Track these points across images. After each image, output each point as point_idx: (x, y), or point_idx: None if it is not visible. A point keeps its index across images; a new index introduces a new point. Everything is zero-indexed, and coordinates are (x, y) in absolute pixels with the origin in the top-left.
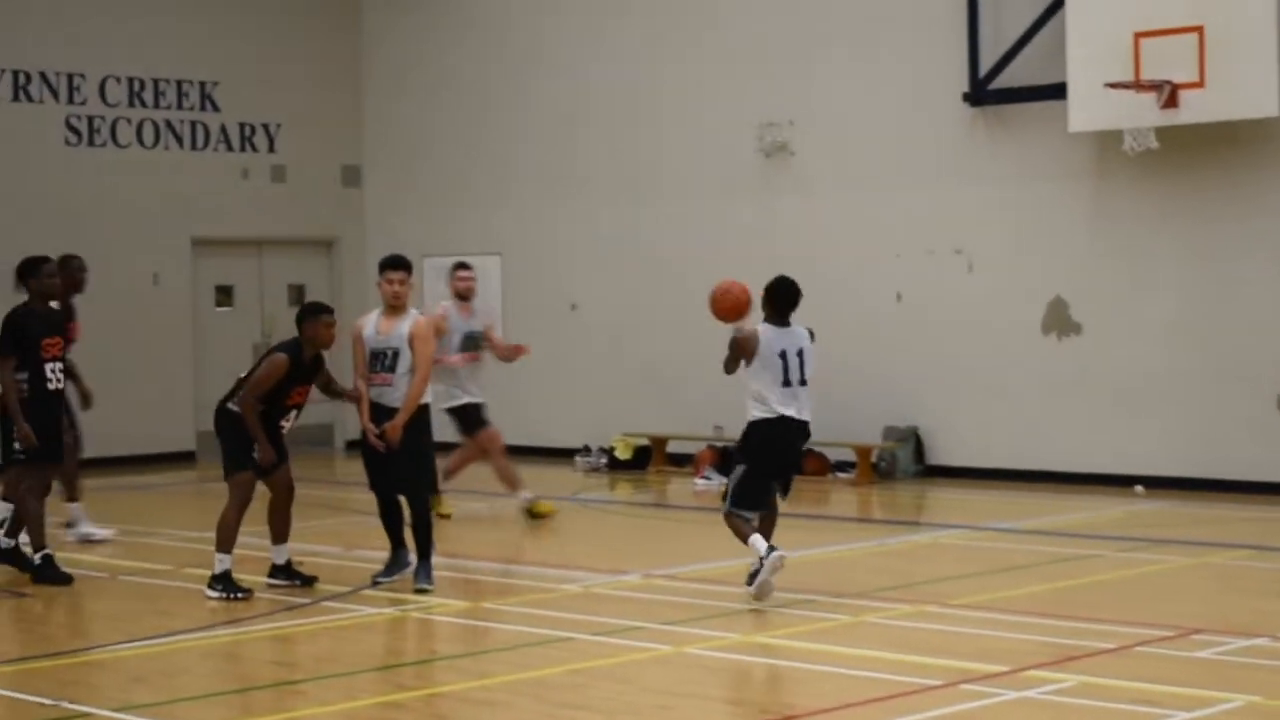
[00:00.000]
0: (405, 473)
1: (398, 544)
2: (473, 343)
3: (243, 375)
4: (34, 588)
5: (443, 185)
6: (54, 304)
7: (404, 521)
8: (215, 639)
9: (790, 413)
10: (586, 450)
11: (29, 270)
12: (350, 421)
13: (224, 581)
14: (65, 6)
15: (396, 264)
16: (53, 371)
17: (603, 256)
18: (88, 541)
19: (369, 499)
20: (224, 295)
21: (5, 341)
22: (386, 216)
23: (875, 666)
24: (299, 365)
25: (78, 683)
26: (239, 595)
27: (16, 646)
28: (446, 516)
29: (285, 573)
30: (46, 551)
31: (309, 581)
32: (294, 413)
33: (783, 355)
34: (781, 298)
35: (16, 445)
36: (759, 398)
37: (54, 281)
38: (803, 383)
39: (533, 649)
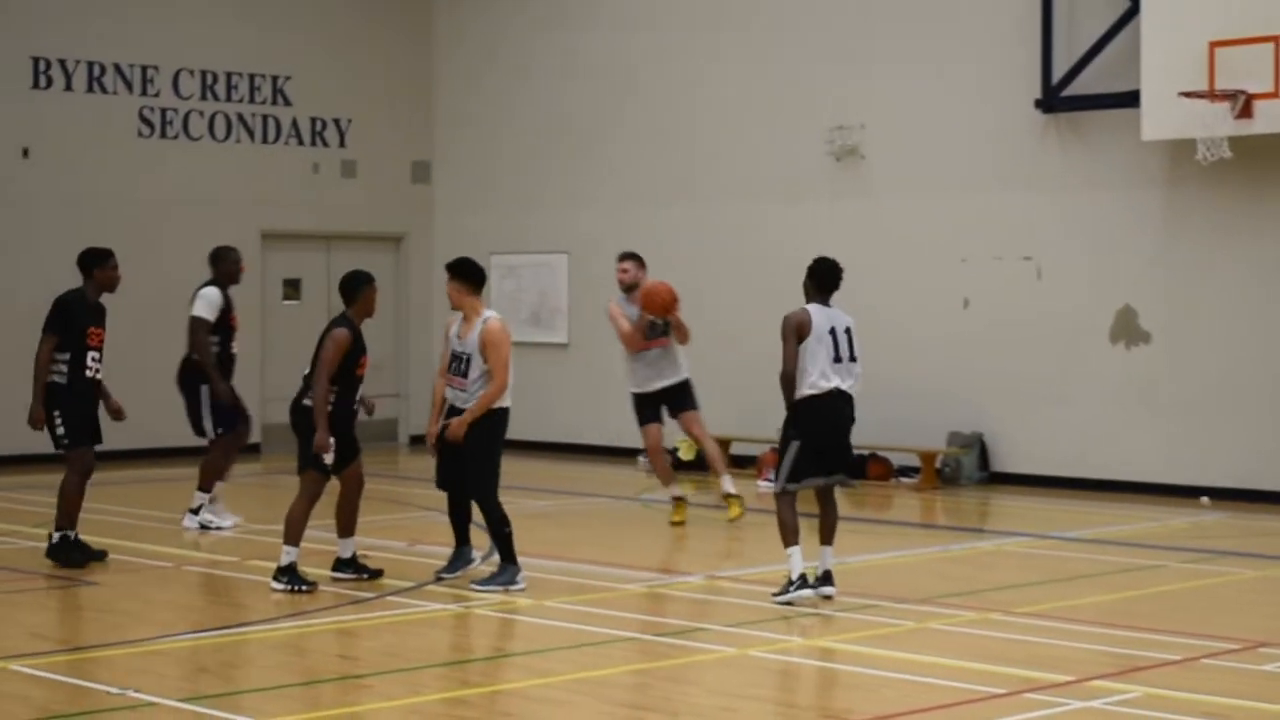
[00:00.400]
0: (469, 475)
1: (461, 541)
2: (658, 329)
3: (307, 372)
4: (102, 577)
5: (512, 183)
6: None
7: (470, 519)
8: (280, 631)
9: (842, 385)
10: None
11: (94, 260)
12: (415, 417)
13: (289, 574)
14: (137, 2)
15: (451, 270)
16: (93, 360)
17: (670, 258)
18: (208, 529)
19: (433, 494)
20: (292, 289)
21: (53, 321)
22: (455, 213)
23: (939, 673)
24: (358, 336)
25: (144, 672)
26: (304, 588)
27: (84, 634)
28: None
29: (351, 566)
30: (67, 533)
31: (375, 575)
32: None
33: (832, 332)
34: (824, 277)
35: (59, 431)
36: (811, 374)
37: (116, 274)
38: (852, 359)
39: (596, 648)
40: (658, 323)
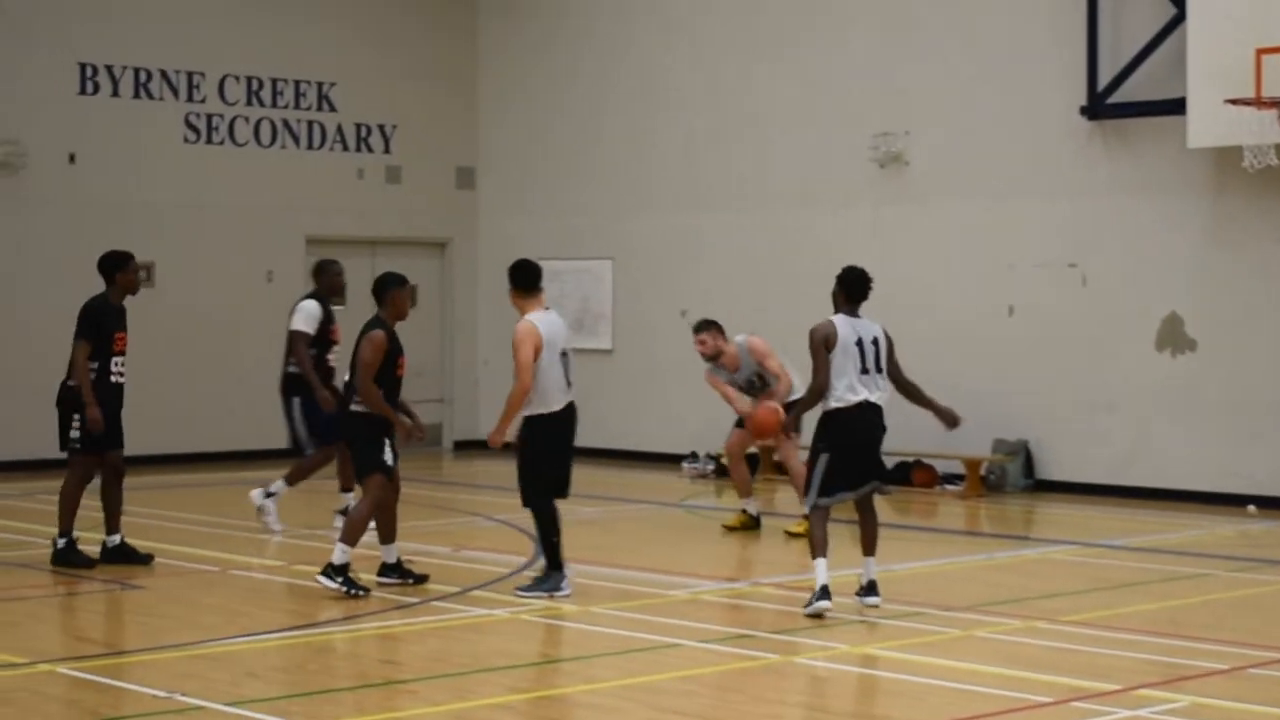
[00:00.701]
0: (518, 480)
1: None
2: (757, 388)
3: (348, 378)
4: (148, 581)
5: (556, 189)
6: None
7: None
8: (327, 636)
9: (870, 397)
10: (694, 456)
11: (116, 264)
12: (459, 422)
13: (344, 574)
14: (186, 6)
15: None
16: (118, 365)
17: (714, 263)
18: (261, 512)
19: (478, 499)
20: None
21: (85, 328)
22: (499, 219)
23: (984, 681)
24: (392, 336)
25: (191, 676)
26: (358, 592)
27: (131, 638)
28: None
29: (397, 571)
30: (70, 538)
31: (420, 580)
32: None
33: (859, 344)
34: (852, 286)
35: (74, 434)
36: (838, 387)
37: (138, 278)
38: (879, 369)
39: (642, 654)
40: (755, 383)
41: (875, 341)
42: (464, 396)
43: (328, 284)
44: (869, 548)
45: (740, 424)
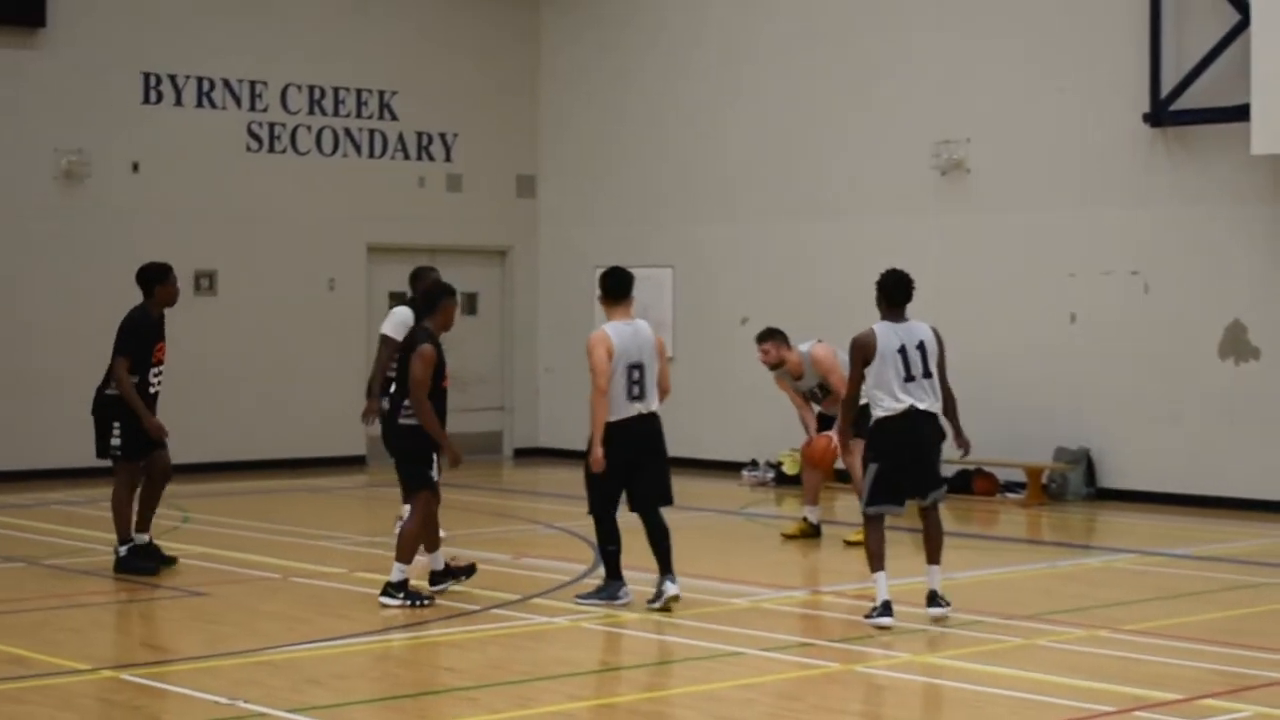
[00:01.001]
0: None
1: (661, 569)
2: (818, 396)
3: (394, 390)
4: (211, 587)
5: (617, 197)
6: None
7: (655, 544)
8: (388, 643)
9: (918, 405)
10: (754, 464)
11: (156, 277)
12: (520, 429)
13: (404, 589)
14: (249, 16)
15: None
16: (155, 376)
17: (775, 271)
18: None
19: (539, 507)
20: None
21: (126, 341)
22: (560, 227)
23: (1046, 690)
24: (439, 349)
25: (252, 683)
26: (424, 602)
27: (193, 645)
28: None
29: (447, 575)
30: (132, 544)
31: (470, 572)
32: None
33: (902, 350)
34: (892, 291)
35: (115, 441)
36: (882, 397)
37: (177, 290)
38: (927, 375)
39: (702, 663)
40: (818, 392)
41: (921, 346)
42: (524, 404)
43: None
44: (932, 556)
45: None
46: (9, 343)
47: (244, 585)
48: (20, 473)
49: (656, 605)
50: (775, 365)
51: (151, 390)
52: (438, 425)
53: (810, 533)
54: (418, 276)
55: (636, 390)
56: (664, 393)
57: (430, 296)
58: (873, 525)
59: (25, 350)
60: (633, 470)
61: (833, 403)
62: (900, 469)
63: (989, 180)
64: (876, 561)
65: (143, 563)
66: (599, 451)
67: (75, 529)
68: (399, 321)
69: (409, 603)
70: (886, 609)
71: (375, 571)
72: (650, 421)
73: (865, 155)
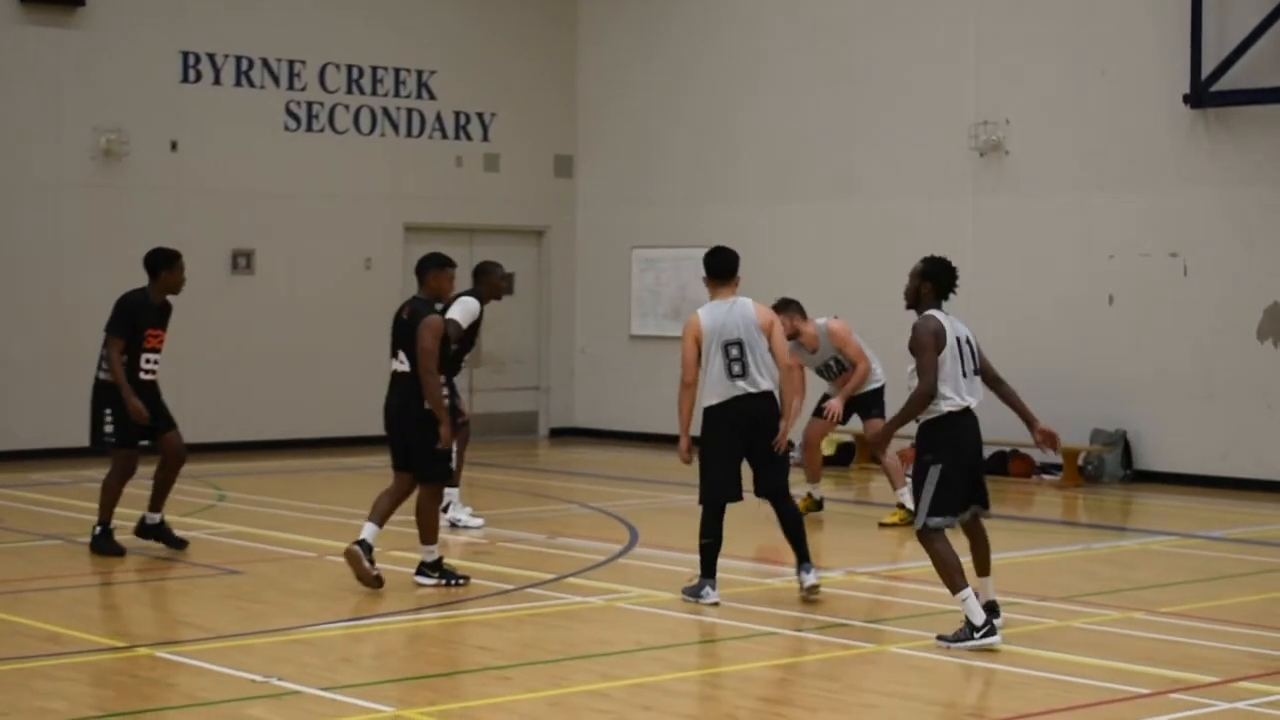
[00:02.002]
0: None
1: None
2: (833, 371)
3: (405, 370)
4: (246, 565)
5: (653, 178)
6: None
7: (789, 530)
8: (422, 622)
9: (973, 403)
10: (790, 446)
11: (163, 262)
12: (555, 409)
13: (439, 569)
14: None
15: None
16: (148, 362)
17: (813, 252)
18: (457, 527)
19: (574, 487)
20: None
21: (118, 323)
22: (597, 207)
23: (1082, 672)
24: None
25: (287, 660)
26: (459, 581)
27: (228, 623)
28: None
29: (437, 570)
30: (107, 527)
31: (465, 580)
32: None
33: (957, 342)
34: (942, 278)
35: (108, 429)
36: (948, 390)
37: (183, 277)
38: (976, 372)
39: (737, 643)
40: (833, 366)
41: (968, 340)
42: (560, 384)
43: (490, 286)
44: (983, 569)
45: (819, 413)
46: (50, 321)
47: (279, 564)
48: (59, 450)
49: (807, 595)
50: (790, 336)
51: (143, 376)
52: (441, 402)
53: (813, 507)
54: (485, 272)
55: (737, 368)
56: (778, 373)
57: (422, 267)
58: (936, 538)
59: (64, 328)
60: (750, 455)
61: (845, 379)
62: (962, 473)
63: (1028, 162)
64: (958, 576)
65: (111, 545)
66: (683, 443)
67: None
68: (469, 309)
69: (444, 581)
70: (989, 629)
71: (409, 550)
72: (758, 402)
73: (904, 136)
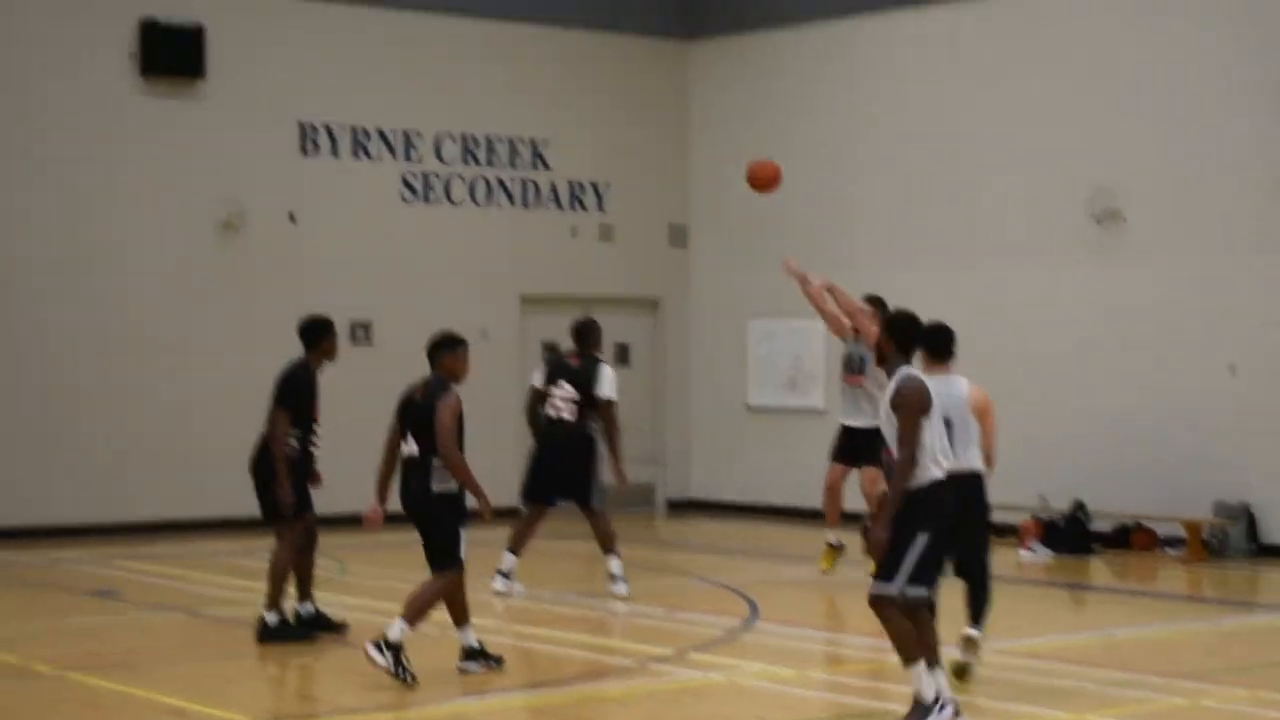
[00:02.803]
0: None
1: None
2: (855, 365)
3: (415, 455)
4: (359, 638)
5: (768, 245)
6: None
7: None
8: (544, 698)
9: (963, 467)
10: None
11: (324, 331)
12: (673, 482)
13: (480, 653)
14: (403, 66)
15: None
16: (316, 433)
17: (926, 319)
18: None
19: (695, 559)
20: (550, 352)
21: (288, 395)
22: (711, 276)
23: None
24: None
25: None
26: (495, 663)
27: (349, 698)
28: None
29: (481, 655)
30: (282, 612)
31: (499, 661)
32: None
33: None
34: (928, 339)
35: (279, 500)
36: (932, 454)
37: (337, 345)
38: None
39: None
40: (854, 358)
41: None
42: (677, 456)
43: (597, 342)
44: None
45: (836, 458)
46: (173, 392)
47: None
48: (183, 523)
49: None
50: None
51: (311, 448)
52: (472, 477)
53: (837, 553)
54: (582, 331)
55: (948, 447)
56: (986, 456)
57: (441, 347)
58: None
59: (188, 400)
60: (955, 535)
61: (860, 380)
62: (948, 539)
63: (1145, 228)
64: (914, 650)
65: (295, 630)
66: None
67: (234, 579)
68: (614, 381)
69: (486, 665)
70: (954, 710)
71: (533, 624)
72: (966, 483)
73: (1019, 203)
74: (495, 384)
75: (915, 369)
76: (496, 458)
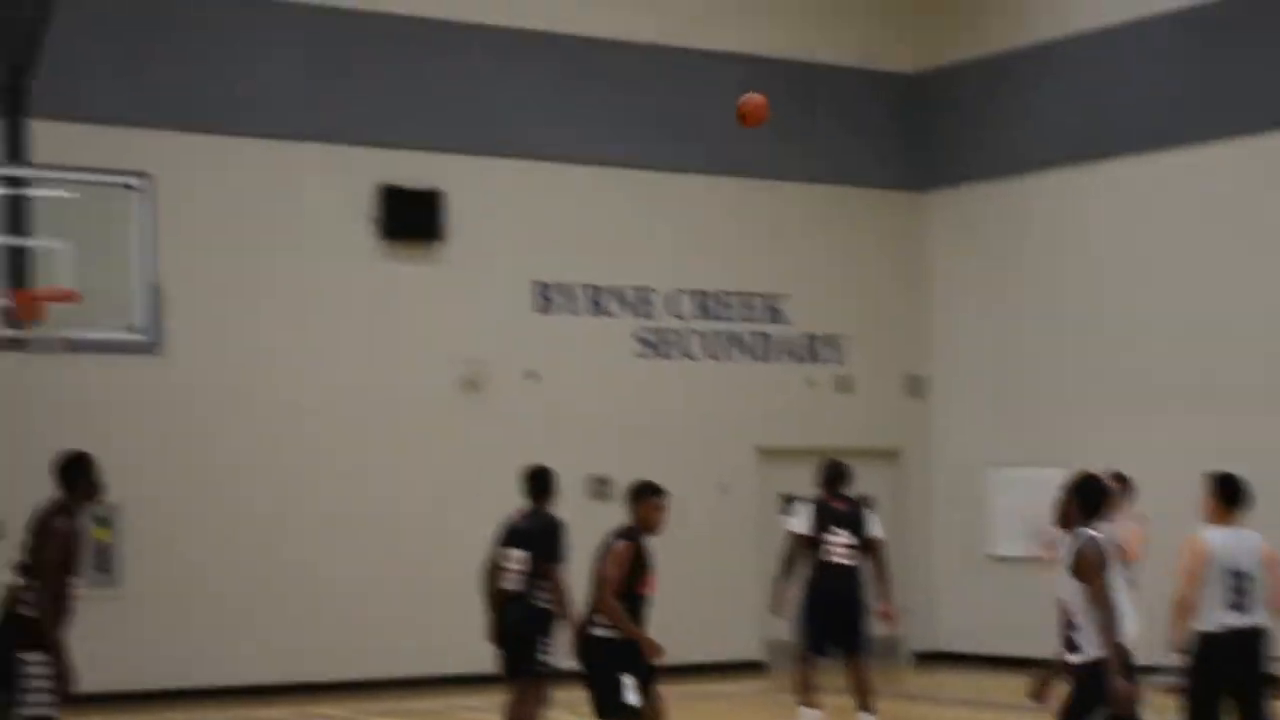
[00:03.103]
0: None
1: None
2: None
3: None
4: None
5: (1008, 395)
6: None
7: None
8: None
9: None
10: (1156, 669)
11: (555, 483)
12: (919, 632)
13: None
14: (635, 223)
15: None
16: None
17: (1171, 469)
18: None
19: (941, 714)
20: (788, 505)
21: (561, 549)
22: (951, 426)
23: None
24: (641, 550)
25: None
26: None
27: None
28: None
29: None
30: None
31: None
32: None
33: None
34: (1091, 496)
35: (541, 655)
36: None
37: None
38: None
39: None
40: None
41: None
42: (922, 606)
43: (851, 483)
44: None
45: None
46: (420, 550)
47: None
48: (421, 679)
49: None
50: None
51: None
52: (628, 621)
53: None
54: (841, 473)
55: (1235, 598)
56: (1275, 609)
57: (636, 495)
58: None
59: (429, 554)
60: (1235, 693)
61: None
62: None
63: None
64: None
65: None
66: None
67: None
68: (877, 518)
69: None
70: None
71: None
72: (1253, 638)
73: (1261, 342)
74: (734, 536)
75: (1095, 531)
76: (741, 609)
